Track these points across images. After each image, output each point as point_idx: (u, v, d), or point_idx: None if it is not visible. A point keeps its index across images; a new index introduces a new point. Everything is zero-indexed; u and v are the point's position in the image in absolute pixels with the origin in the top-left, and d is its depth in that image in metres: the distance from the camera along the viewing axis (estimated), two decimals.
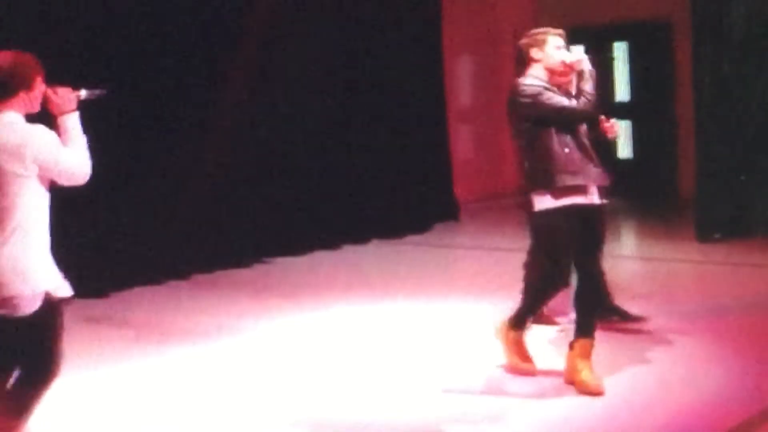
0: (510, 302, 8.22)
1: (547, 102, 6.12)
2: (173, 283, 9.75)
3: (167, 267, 9.78)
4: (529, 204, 6.19)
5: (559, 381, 6.25)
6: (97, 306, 8.64)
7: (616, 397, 6.03)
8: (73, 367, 6.36)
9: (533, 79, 6.21)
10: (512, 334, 6.47)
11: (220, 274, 10.11)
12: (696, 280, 9.39)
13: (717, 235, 11.06)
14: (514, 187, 16.09)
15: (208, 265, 10.16)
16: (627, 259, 11.27)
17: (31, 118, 4.69)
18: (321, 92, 11.48)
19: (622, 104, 15.64)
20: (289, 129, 11.13)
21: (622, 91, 15.66)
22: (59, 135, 4.66)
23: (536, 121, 6.13)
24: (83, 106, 4.80)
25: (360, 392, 6.33)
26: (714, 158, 11.20)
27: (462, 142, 14.67)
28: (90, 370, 6.73)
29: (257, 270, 10.48)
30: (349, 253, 11.24)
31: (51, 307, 4.58)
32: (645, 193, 14.56)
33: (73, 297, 4.73)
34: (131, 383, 6.62)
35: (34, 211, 4.59)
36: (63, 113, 4.72)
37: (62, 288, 4.66)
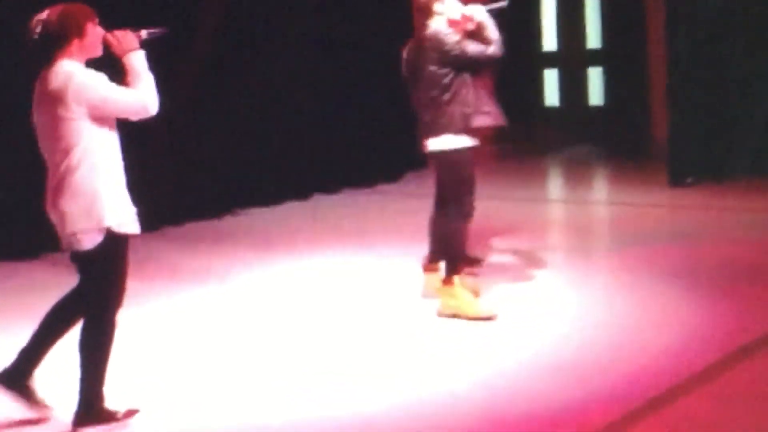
0: (482, 250, 8.35)
1: (470, 49, 6.45)
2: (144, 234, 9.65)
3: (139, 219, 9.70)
4: (442, 145, 6.53)
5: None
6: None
7: (585, 342, 6.05)
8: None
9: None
10: (452, 286, 6.55)
11: (191, 226, 10.04)
12: (666, 223, 9.40)
13: (689, 180, 11.07)
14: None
15: (178, 217, 10.08)
16: (599, 204, 11.32)
17: (100, 64, 4.87)
18: (293, 44, 11.36)
19: (593, 51, 15.61)
20: (261, 79, 11.01)
21: (593, 38, 15.62)
22: (125, 75, 4.85)
23: (458, 67, 6.44)
24: (147, 45, 4.96)
25: (338, 341, 6.33)
26: (686, 103, 11.19)
27: None
28: None
29: (228, 221, 10.42)
30: (320, 202, 11.19)
31: (114, 242, 4.81)
32: (618, 139, 14.54)
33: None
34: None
35: (96, 151, 4.78)
36: (125, 53, 4.86)
37: (127, 224, 4.87)
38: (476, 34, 6.49)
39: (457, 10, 6.60)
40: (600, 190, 12.50)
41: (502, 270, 7.78)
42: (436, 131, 6.54)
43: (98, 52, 4.90)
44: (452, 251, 6.67)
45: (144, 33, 4.97)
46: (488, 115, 7.15)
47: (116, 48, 4.87)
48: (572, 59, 15.82)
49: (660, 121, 12.72)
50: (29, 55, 4.84)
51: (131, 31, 4.93)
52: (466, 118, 6.51)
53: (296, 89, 11.39)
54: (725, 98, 11.27)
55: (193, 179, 10.36)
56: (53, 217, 4.86)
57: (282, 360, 5.97)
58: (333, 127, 11.68)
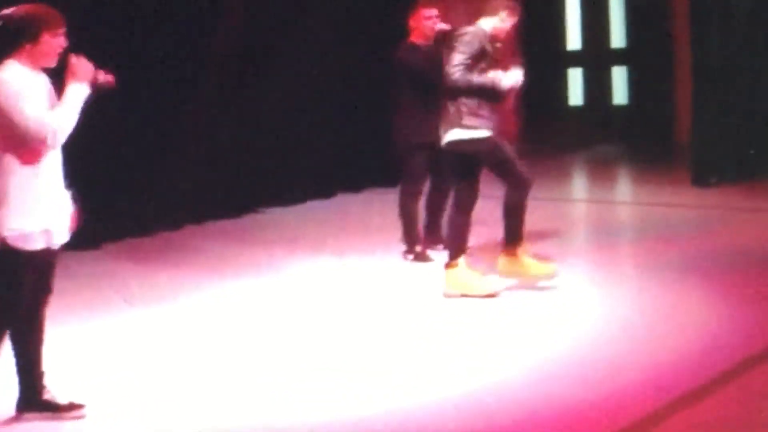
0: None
1: (468, 79, 6.94)
2: (165, 234, 9.72)
3: (158, 218, 9.76)
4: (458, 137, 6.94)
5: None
6: (86, 258, 8.57)
7: (607, 341, 6.04)
8: (72, 319, 6.46)
9: None
10: (463, 268, 6.98)
11: (211, 225, 10.07)
12: (688, 223, 9.36)
13: (713, 180, 11.03)
14: (508, 134, 16.06)
15: (199, 215, 10.12)
16: (622, 203, 11.30)
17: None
18: (316, 43, 11.34)
19: (618, 50, 15.59)
20: (282, 79, 11.01)
21: (618, 37, 15.60)
22: (60, 97, 4.76)
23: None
24: (94, 90, 4.85)
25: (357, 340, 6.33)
26: (710, 103, 11.15)
27: None
28: (85, 322, 6.75)
29: (249, 220, 10.45)
30: (344, 200, 11.25)
31: (10, 256, 4.76)
32: (642, 138, 14.52)
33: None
34: (128, 335, 6.60)
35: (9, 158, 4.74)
36: (73, 81, 4.74)
37: (33, 240, 4.79)
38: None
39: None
40: (623, 189, 12.47)
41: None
42: (453, 124, 6.97)
43: (51, 62, 4.79)
44: (459, 235, 7.04)
45: (101, 76, 4.85)
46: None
47: (69, 71, 4.75)
48: (596, 58, 15.81)
49: (684, 120, 12.70)
50: None
51: (95, 67, 4.83)
52: (476, 111, 6.98)
53: (322, 91, 11.37)
54: (750, 99, 11.24)
55: (215, 178, 10.37)
56: None
57: (293, 358, 5.96)
58: (356, 128, 11.66)
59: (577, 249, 8.77)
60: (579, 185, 13.24)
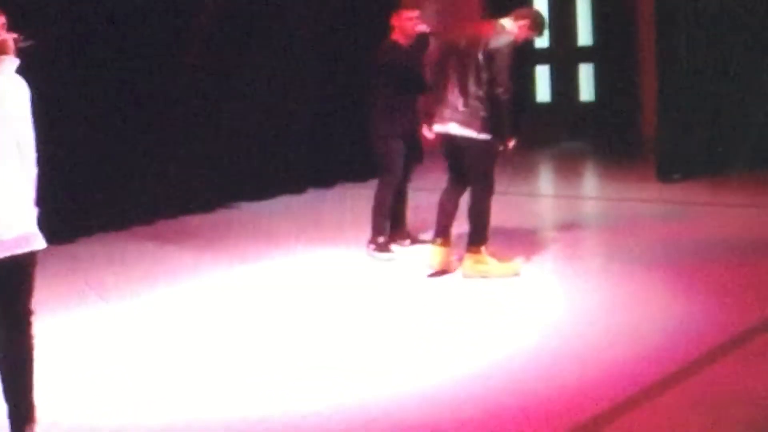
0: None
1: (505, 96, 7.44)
2: (139, 228, 9.79)
3: (132, 214, 9.84)
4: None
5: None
6: (63, 252, 8.63)
7: (570, 334, 6.18)
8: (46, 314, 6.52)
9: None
10: (483, 255, 7.42)
11: (184, 220, 10.14)
12: (653, 217, 9.52)
13: (677, 175, 11.20)
14: None
15: (172, 211, 10.20)
16: (587, 199, 11.44)
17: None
18: (293, 40, 11.41)
19: (584, 48, 15.70)
20: (261, 76, 11.08)
21: (584, 35, 15.72)
22: None
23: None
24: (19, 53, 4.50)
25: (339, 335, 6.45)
26: (674, 99, 11.31)
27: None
28: (59, 317, 6.81)
29: (221, 214, 10.53)
30: (315, 195, 11.34)
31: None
32: (608, 135, 14.68)
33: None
34: (108, 331, 6.70)
35: None
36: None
37: None
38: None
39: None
40: (589, 184, 12.62)
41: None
42: (472, 124, 7.33)
43: None
44: (483, 223, 7.44)
45: (16, 38, 4.49)
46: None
47: None
48: (563, 56, 15.92)
49: (649, 117, 12.86)
50: None
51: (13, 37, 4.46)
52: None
53: (295, 84, 11.45)
54: (714, 95, 11.39)
55: (189, 173, 10.44)
56: None
57: (279, 354, 6.07)
58: (327, 121, 11.75)
59: (542, 243, 8.90)
60: (546, 181, 13.38)
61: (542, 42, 16.09)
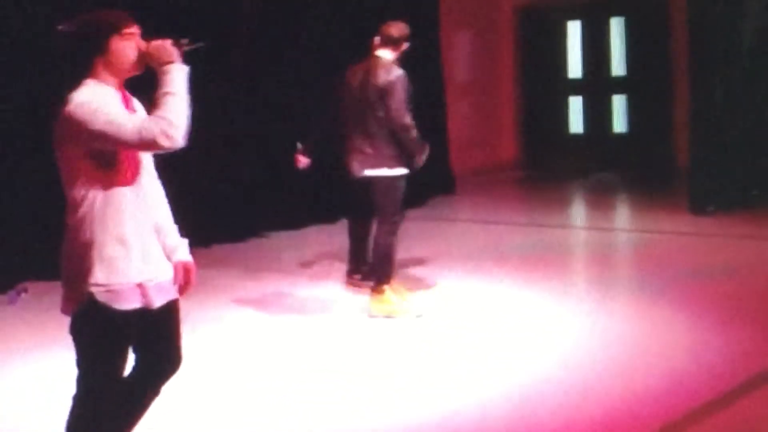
0: (503, 275, 8.48)
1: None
2: None
3: None
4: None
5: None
6: None
7: (592, 363, 6.15)
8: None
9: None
10: (388, 292, 7.32)
11: (216, 248, 10.21)
12: (684, 250, 9.49)
13: (710, 208, 11.16)
14: (509, 161, 16.26)
15: (205, 240, 10.26)
16: (619, 230, 11.42)
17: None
18: (316, 66, 11.52)
19: (617, 79, 15.74)
20: (296, 103, 11.15)
21: (618, 66, 15.76)
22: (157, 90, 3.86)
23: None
24: (188, 59, 4.00)
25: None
26: (708, 131, 11.30)
27: (458, 116, 14.75)
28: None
29: (252, 244, 10.59)
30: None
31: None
32: (641, 166, 14.69)
33: None
34: None
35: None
36: (164, 64, 3.86)
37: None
38: None
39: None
40: (621, 216, 12.60)
41: (522, 295, 7.93)
42: (382, 163, 7.24)
43: (133, 69, 3.93)
44: (388, 263, 7.37)
45: (185, 43, 3.99)
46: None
47: (151, 60, 3.89)
48: (597, 87, 15.97)
49: (682, 148, 12.85)
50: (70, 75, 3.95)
51: (171, 42, 3.94)
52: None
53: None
54: (748, 127, 11.37)
55: (221, 203, 10.52)
56: None
57: (291, 365, 6.08)
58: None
59: (572, 274, 8.91)
60: (578, 212, 13.38)
61: (575, 73, 16.18)
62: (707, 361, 6.09)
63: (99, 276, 3.77)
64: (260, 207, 10.93)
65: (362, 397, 5.69)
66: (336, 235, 10.51)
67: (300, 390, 5.83)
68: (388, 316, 7.23)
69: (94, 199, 3.79)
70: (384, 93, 7.12)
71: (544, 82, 16.35)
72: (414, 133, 7.18)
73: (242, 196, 10.76)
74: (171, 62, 3.86)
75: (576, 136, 16.28)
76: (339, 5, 11.79)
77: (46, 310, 7.71)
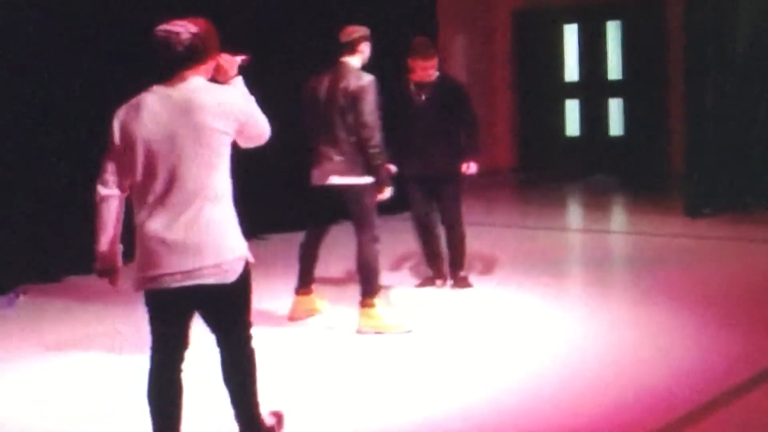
0: (499, 278, 8.51)
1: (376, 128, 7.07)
2: None
3: None
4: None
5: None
6: (81, 287, 8.66)
7: (587, 366, 6.17)
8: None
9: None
10: (378, 306, 7.08)
11: None
12: (679, 253, 9.53)
13: (706, 210, 11.20)
14: (506, 163, 16.30)
15: None
16: (614, 233, 11.45)
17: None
18: (312, 69, 11.51)
19: (614, 82, 15.80)
20: (295, 106, 11.15)
21: (614, 70, 15.82)
22: None
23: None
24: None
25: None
26: (704, 134, 11.34)
27: None
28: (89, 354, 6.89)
29: (251, 245, 10.55)
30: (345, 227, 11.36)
31: (248, 272, 4.58)
32: (637, 169, 14.73)
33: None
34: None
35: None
36: (230, 78, 4.53)
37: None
38: None
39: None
40: (617, 219, 12.64)
41: (517, 296, 7.97)
42: (356, 171, 7.02)
43: (209, 74, 4.45)
44: (374, 275, 7.14)
45: (240, 59, 4.62)
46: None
47: (223, 71, 4.51)
48: (593, 90, 16.02)
49: (678, 151, 12.90)
50: (162, 64, 4.34)
51: (232, 55, 4.56)
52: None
53: None
54: (743, 131, 11.42)
55: None
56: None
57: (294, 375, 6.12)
58: None
59: (568, 277, 8.94)
60: (574, 215, 13.41)
61: (572, 76, 16.24)
62: (705, 361, 6.13)
63: (245, 246, 4.56)
64: (259, 209, 10.95)
65: (357, 401, 5.72)
66: (334, 237, 10.57)
67: (294, 393, 5.86)
68: (377, 332, 7.02)
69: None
70: (356, 98, 6.96)
71: (541, 86, 16.40)
72: (377, 140, 6.97)
73: (240, 198, 10.76)
74: (237, 75, 4.53)
75: (572, 139, 16.33)
76: (333, 10, 11.81)
77: (43, 313, 7.79)
